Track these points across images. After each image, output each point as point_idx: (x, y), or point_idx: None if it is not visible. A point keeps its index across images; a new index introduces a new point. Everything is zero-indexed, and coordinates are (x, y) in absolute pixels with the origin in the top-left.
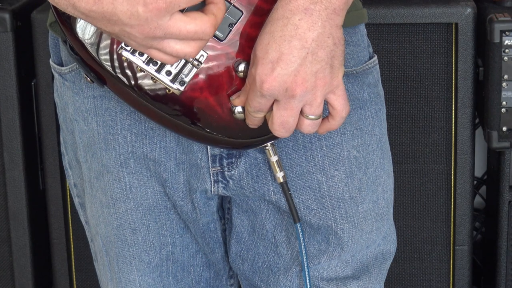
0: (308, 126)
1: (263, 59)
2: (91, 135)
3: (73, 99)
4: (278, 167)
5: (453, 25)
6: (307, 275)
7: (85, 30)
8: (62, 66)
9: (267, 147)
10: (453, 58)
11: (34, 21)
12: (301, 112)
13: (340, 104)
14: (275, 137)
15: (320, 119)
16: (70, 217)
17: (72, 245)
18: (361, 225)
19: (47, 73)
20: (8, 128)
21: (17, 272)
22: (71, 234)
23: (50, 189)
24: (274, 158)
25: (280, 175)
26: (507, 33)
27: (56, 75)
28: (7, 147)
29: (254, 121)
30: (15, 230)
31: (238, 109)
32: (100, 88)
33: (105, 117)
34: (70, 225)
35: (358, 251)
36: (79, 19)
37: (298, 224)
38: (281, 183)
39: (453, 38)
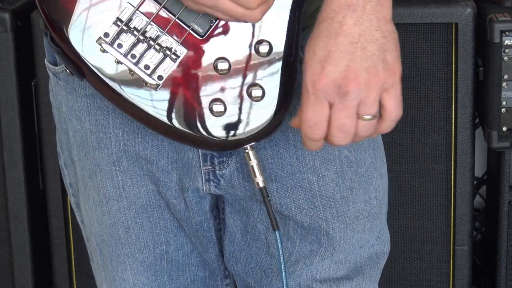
0: (363, 127)
1: (311, 61)
2: (84, 134)
3: (66, 98)
4: (258, 171)
5: (453, 25)
6: (284, 283)
7: None
8: (56, 65)
9: (246, 150)
10: (453, 58)
11: (34, 21)
12: (356, 114)
13: (391, 105)
14: (254, 140)
15: (375, 120)
16: (70, 217)
17: (72, 245)
18: (353, 224)
19: (47, 73)
20: (8, 128)
21: (17, 272)
22: (71, 234)
23: (50, 189)
24: (253, 162)
25: (259, 179)
26: (507, 33)
27: (50, 74)
28: (7, 147)
29: (312, 146)
30: (15, 230)
31: (217, 108)
32: (92, 87)
33: (98, 116)
34: (70, 225)
35: (351, 251)
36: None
37: (277, 232)
38: (260, 189)
39: (453, 38)
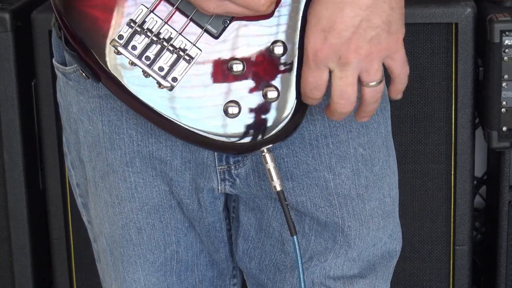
0: (369, 93)
1: (315, 27)
2: (96, 135)
3: (77, 99)
4: (275, 174)
5: (453, 25)
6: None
7: None
8: (66, 65)
9: (263, 153)
10: (453, 58)
11: (34, 21)
12: (360, 81)
13: (398, 68)
14: (271, 142)
15: (382, 84)
16: (70, 217)
17: (72, 245)
18: (368, 222)
19: (47, 73)
20: (8, 128)
21: (17, 272)
22: (71, 234)
23: (50, 189)
24: (270, 165)
25: (276, 183)
26: (507, 33)
27: (59, 74)
28: (7, 147)
29: (313, 102)
30: (15, 230)
31: (232, 110)
32: (105, 88)
33: (111, 116)
34: (70, 225)
35: (365, 249)
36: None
37: (295, 237)
38: (277, 192)
39: (453, 38)
